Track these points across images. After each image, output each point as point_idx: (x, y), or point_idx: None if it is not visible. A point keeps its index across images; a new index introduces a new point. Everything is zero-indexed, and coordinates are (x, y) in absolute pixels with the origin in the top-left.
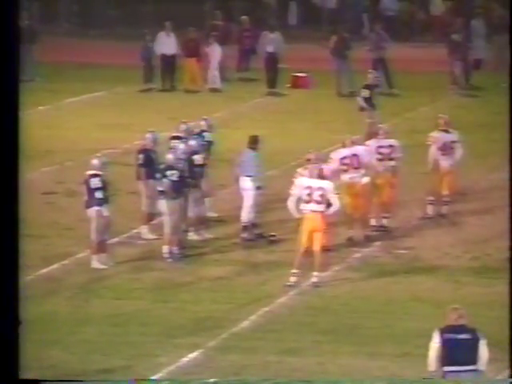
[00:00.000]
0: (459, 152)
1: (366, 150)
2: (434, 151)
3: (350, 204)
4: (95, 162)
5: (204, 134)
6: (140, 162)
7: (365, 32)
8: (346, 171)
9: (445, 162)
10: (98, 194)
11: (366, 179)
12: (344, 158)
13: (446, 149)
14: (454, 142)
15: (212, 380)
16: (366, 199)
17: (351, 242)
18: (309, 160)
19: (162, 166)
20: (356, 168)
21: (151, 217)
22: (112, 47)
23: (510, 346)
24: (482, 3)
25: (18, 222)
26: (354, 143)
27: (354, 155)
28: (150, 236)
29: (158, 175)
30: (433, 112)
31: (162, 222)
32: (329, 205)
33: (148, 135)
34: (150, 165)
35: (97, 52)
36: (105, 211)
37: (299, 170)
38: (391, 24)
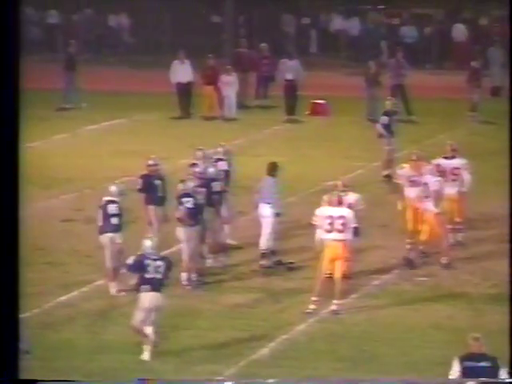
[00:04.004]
0: (467, 178)
1: (433, 179)
2: None
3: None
4: (113, 188)
5: (220, 162)
6: (138, 186)
7: (383, 59)
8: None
9: (450, 189)
10: (114, 221)
11: (437, 209)
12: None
13: (447, 175)
14: (456, 168)
15: (271, 380)
16: (436, 227)
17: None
18: (336, 186)
19: (179, 194)
20: (426, 197)
21: None
22: (131, 75)
23: (510, 347)
24: (499, 31)
25: (19, 250)
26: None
27: (425, 183)
28: None
29: (178, 202)
30: (451, 139)
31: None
32: (353, 232)
33: (150, 161)
34: (149, 191)
35: (116, 79)
36: (118, 238)
37: (325, 196)
38: (410, 51)
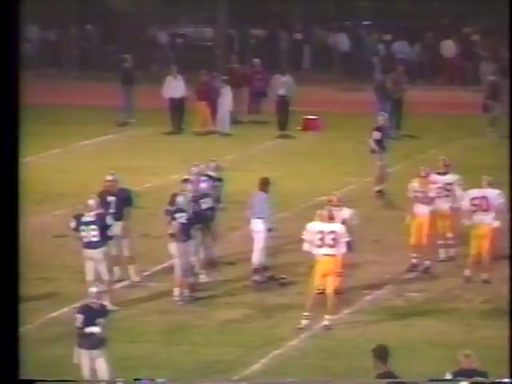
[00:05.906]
0: (460, 194)
1: (495, 193)
2: None
3: (475, 245)
4: (91, 202)
5: (209, 178)
6: None
7: (375, 74)
8: (474, 212)
9: (442, 205)
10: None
11: (497, 223)
12: (474, 198)
13: (441, 191)
14: (449, 184)
15: (290, 380)
16: (493, 242)
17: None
18: (330, 201)
19: (172, 209)
20: (485, 210)
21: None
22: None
23: (510, 348)
24: (489, 46)
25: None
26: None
27: (484, 197)
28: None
29: (170, 218)
30: (443, 154)
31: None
32: (346, 246)
33: (108, 177)
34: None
35: (109, 95)
36: (110, 251)
37: (318, 211)
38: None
